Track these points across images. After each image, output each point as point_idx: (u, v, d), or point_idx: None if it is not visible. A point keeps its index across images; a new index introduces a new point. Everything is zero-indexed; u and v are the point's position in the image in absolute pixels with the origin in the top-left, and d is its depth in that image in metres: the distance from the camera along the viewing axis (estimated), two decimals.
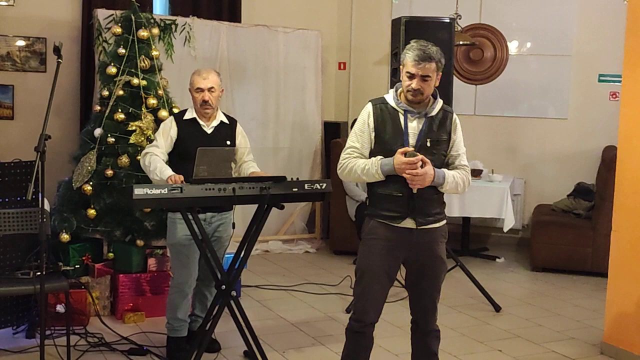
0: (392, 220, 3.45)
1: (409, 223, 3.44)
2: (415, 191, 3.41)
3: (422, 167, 3.35)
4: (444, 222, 3.58)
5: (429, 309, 3.61)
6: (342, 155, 3.58)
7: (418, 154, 3.35)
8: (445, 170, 3.48)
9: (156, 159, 4.25)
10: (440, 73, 3.44)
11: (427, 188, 3.43)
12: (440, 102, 3.53)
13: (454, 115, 3.57)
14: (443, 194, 3.57)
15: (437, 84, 3.47)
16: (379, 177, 3.43)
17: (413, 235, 3.45)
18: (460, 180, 3.51)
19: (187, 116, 4.43)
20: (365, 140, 3.51)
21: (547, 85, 7.85)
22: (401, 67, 3.44)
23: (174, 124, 4.40)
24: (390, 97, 3.51)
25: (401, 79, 3.45)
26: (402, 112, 3.46)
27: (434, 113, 3.48)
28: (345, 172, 3.56)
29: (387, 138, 3.45)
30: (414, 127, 3.46)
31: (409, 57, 3.36)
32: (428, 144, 3.43)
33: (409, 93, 3.40)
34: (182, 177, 4.04)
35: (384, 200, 3.47)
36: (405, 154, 3.34)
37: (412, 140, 3.44)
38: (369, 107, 3.52)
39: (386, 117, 3.47)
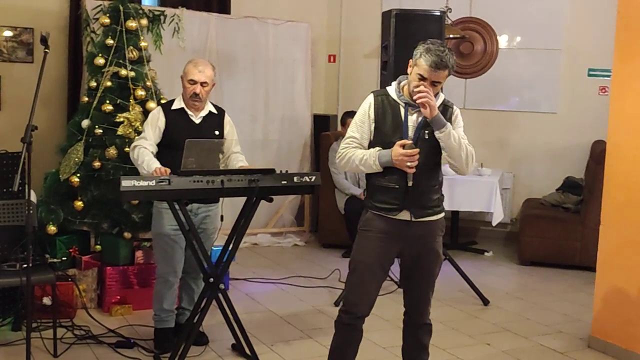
0: (388, 212, 3.44)
1: (405, 215, 3.43)
2: (411, 184, 3.40)
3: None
4: (442, 215, 3.56)
5: (422, 302, 3.62)
6: (342, 145, 3.57)
7: (414, 147, 3.34)
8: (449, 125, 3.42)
9: (144, 152, 4.22)
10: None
11: (424, 180, 3.43)
12: (441, 97, 3.52)
13: (455, 109, 3.56)
14: (441, 186, 3.57)
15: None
16: (377, 168, 3.43)
17: (409, 227, 3.44)
18: (464, 145, 3.45)
19: (175, 106, 4.40)
20: (365, 131, 3.50)
21: (536, 79, 7.86)
22: (413, 64, 3.39)
23: (161, 114, 4.37)
24: (392, 90, 3.51)
25: (409, 73, 3.43)
26: (403, 105, 3.46)
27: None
28: (344, 162, 3.55)
29: (386, 130, 3.45)
30: (413, 120, 3.45)
31: (424, 61, 3.31)
32: (426, 137, 3.42)
33: (415, 91, 3.36)
34: (168, 170, 4.01)
35: (380, 192, 3.46)
36: (403, 147, 3.34)
37: (411, 133, 3.43)
38: (370, 98, 3.52)
39: (387, 109, 3.47)
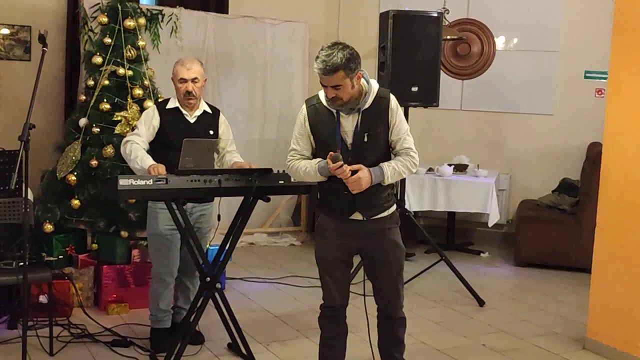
0: (341, 214, 3.52)
1: (357, 216, 3.52)
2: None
3: (353, 173, 3.33)
4: (392, 209, 3.60)
5: (391, 296, 3.67)
6: (287, 157, 3.61)
7: (340, 157, 3.31)
8: (383, 165, 3.43)
9: (137, 148, 4.21)
10: (358, 72, 3.34)
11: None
12: (374, 92, 3.45)
13: (391, 99, 3.48)
14: (390, 186, 3.60)
15: (357, 84, 3.37)
16: (320, 178, 3.48)
17: (362, 225, 3.52)
18: (402, 167, 3.47)
19: (169, 105, 4.40)
20: (305, 141, 3.54)
21: (533, 81, 7.87)
22: None
23: (156, 112, 4.36)
24: (322, 95, 3.48)
25: None
26: (335, 111, 3.44)
27: (367, 105, 3.43)
28: (291, 172, 3.64)
29: (323, 138, 3.47)
30: (349, 124, 3.44)
31: (315, 69, 3.31)
32: (365, 139, 3.42)
33: (328, 102, 3.40)
34: (163, 167, 4.02)
35: (330, 197, 3.54)
36: (332, 158, 3.33)
37: (349, 138, 3.44)
38: (303, 110, 3.54)
39: (320, 117, 3.47)
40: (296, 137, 3.56)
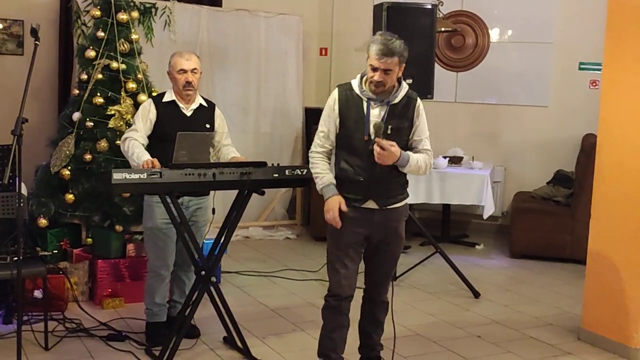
0: (355, 202, 3.64)
1: (370, 204, 3.64)
2: (373, 176, 3.58)
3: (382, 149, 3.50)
4: (405, 201, 3.78)
5: (381, 281, 3.85)
6: (315, 141, 3.76)
7: (383, 126, 3.51)
8: (410, 153, 3.63)
9: (135, 144, 4.21)
10: (403, 65, 3.57)
11: (388, 173, 3.60)
12: (404, 89, 3.66)
13: (418, 101, 3.70)
14: (405, 176, 3.74)
15: (400, 75, 3.61)
16: (320, 192, 3.69)
17: (375, 214, 3.67)
18: (423, 163, 3.67)
19: (166, 98, 4.39)
20: (332, 124, 3.69)
21: (527, 72, 7.86)
22: (367, 57, 3.55)
23: (152, 106, 4.35)
24: (355, 84, 3.67)
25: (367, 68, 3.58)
26: (366, 99, 3.60)
27: (396, 101, 3.62)
28: (311, 167, 3.79)
29: (349, 124, 3.62)
30: (376, 114, 3.60)
31: (372, 51, 3.48)
32: (389, 131, 3.58)
33: (372, 84, 3.55)
34: (156, 161, 4.01)
35: (347, 184, 3.66)
36: (375, 127, 3.50)
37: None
38: (335, 93, 3.69)
39: (350, 104, 3.63)
40: (324, 119, 3.71)
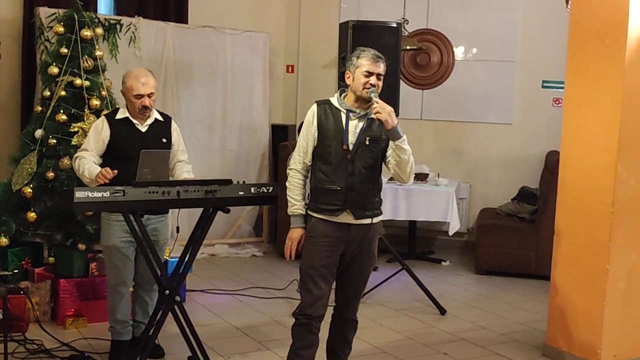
0: (331, 213, 3.64)
1: (346, 217, 3.64)
2: (350, 185, 3.61)
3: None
4: (380, 217, 3.80)
5: (352, 299, 3.86)
6: (294, 156, 3.79)
7: (377, 93, 3.56)
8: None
9: (84, 161, 4.14)
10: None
11: (364, 183, 3.64)
12: None
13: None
14: (380, 190, 3.77)
15: None
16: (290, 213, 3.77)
17: (351, 230, 3.67)
18: (410, 155, 3.64)
19: (119, 115, 4.31)
20: (310, 138, 3.73)
21: (492, 90, 7.96)
22: (353, 69, 3.63)
23: (105, 124, 4.28)
24: (334, 99, 3.74)
25: (352, 81, 3.64)
26: (344, 111, 3.67)
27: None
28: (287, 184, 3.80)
29: (328, 134, 3.67)
30: (354, 125, 3.67)
31: (365, 57, 3.60)
32: (367, 142, 3.65)
33: (365, 90, 3.58)
34: (109, 170, 3.97)
35: (323, 194, 3.67)
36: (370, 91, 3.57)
37: (352, 137, 3.65)
38: (314, 107, 3.75)
39: (329, 116, 3.69)
40: (304, 134, 3.74)
